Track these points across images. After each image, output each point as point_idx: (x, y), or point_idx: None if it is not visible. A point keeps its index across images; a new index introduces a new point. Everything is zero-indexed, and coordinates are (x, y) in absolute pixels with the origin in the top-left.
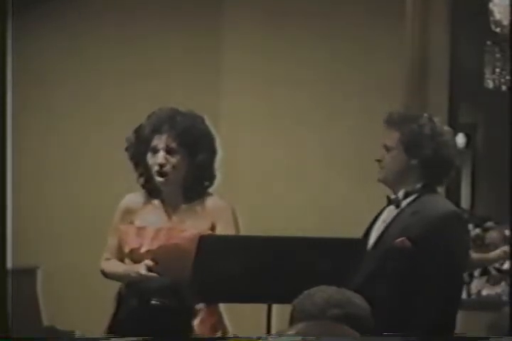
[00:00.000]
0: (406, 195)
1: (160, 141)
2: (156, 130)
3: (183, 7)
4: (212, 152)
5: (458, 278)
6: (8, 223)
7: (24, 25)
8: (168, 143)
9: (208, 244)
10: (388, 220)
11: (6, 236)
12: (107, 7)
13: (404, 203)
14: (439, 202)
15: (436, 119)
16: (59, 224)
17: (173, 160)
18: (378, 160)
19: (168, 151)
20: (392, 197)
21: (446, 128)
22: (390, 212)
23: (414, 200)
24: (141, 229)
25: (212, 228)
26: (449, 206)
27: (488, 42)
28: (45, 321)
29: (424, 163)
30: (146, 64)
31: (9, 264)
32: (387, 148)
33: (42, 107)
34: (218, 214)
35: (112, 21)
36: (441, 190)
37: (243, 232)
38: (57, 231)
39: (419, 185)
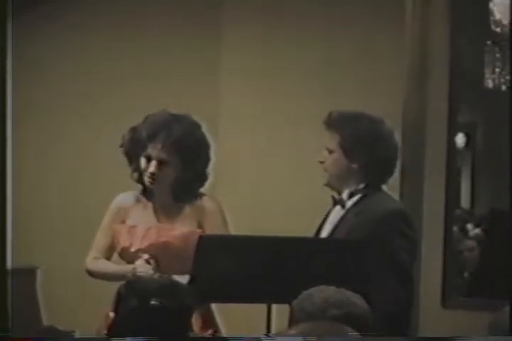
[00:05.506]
0: (350, 195)
1: (154, 151)
2: (152, 137)
3: (183, 7)
4: (206, 160)
5: (404, 275)
6: (8, 223)
7: (24, 25)
8: (162, 153)
9: (208, 244)
10: (335, 221)
11: (6, 236)
12: (106, 7)
13: (349, 203)
14: (382, 201)
15: (375, 118)
16: (59, 224)
17: (165, 169)
18: (321, 162)
19: (161, 161)
20: (337, 197)
21: (386, 127)
22: (337, 212)
23: (358, 200)
24: (132, 228)
25: (200, 227)
26: (392, 204)
27: (488, 42)
28: (45, 321)
29: (364, 166)
30: (145, 64)
31: (9, 264)
32: (329, 150)
33: (41, 108)
34: (205, 213)
35: (111, 22)
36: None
37: (243, 232)
38: (57, 231)
39: (362, 186)
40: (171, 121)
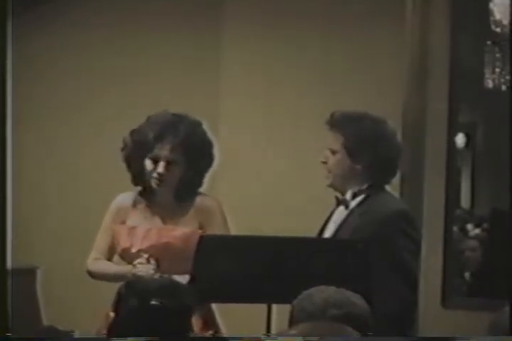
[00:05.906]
0: (354, 196)
1: (162, 151)
2: (159, 138)
3: (183, 7)
4: (211, 159)
5: (407, 275)
6: (8, 223)
7: (24, 23)
8: (171, 154)
9: (208, 244)
10: (339, 222)
11: (5, 236)
12: (107, 6)
13: (353, 204)
14: (386, 201)
15: (378, 118)
16: (59, 224)
17: (173, 169)
18: (324, 162)
19: (169, 162)
20: (341, 198)
21: (389, 127)
22: (340, 213)
23: (362, 201)
24: (132, 229)
25: (201, 227)
26: (395, 205)
27: (488, 42)
28: (45, 321)
29: (368, 166)
30: (146, 64)
31: (9, 264)
32: (332, 151)
33: (41, 107)
34: (207, 213)
35: (112, 21)
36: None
37: (243, 232)
38: (57, 231)
39: (365, 186)
40: (174, 121)
